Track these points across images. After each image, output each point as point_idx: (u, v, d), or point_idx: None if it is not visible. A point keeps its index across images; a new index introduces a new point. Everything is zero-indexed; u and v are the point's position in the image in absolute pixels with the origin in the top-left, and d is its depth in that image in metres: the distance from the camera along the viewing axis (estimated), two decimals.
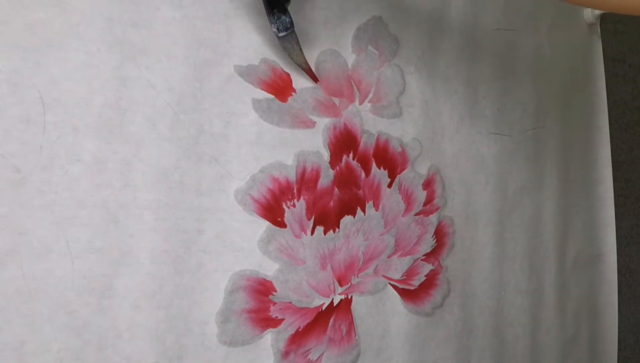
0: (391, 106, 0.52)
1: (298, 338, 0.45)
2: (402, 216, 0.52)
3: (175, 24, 0.41)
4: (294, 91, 0.46)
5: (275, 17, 0.41)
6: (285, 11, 0.41)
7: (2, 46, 0.35)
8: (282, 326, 0.44)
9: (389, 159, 0.51)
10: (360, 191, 0.49)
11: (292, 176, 0.45)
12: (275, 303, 0.44)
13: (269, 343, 0.43)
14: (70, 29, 0.37)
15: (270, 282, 0.44)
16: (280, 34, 0.42)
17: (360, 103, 0.50)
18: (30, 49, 0.36)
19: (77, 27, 0.38)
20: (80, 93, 0.37)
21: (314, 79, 0.47)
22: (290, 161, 0.45)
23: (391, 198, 0.51)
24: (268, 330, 0.43)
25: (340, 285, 0.48)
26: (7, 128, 0.35)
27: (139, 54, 0.40)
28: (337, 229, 0.48)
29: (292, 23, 0.42)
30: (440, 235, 0.55)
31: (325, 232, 0.47)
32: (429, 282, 0.54)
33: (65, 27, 0.37)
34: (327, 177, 0.47)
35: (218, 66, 0.43)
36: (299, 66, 0.46)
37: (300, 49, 0.44)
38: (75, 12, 0.38)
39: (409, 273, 0.52)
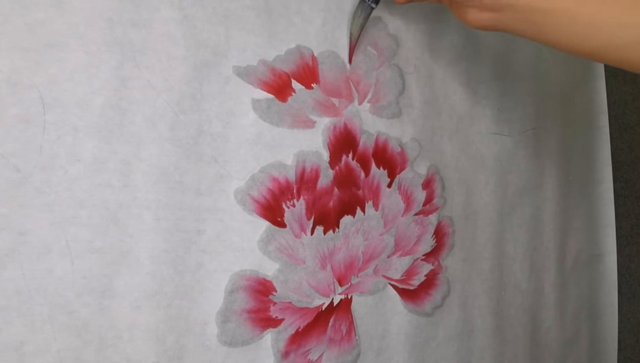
0: (390, 106, 0.52)
1: (298, 338, 0.45)
2: (402, 216, 0.52)
3: (175, 24, 0.41)
4: (294, 91, 0.46)
5: None
6: None
7: (2, 45, 0.35)
8: (282, 326, 0.44)
9: (389, 159, 0.51)
10: (360, 191, 0.49)
11: (292, 176, 0.45)
12: (275, 303, 0.44)
13: (269, 343, 0.43)
14: (70, 29, 0.37)
15: (270, 282, 0.44)
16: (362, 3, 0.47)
17: (360, 103, 0.50)
18: (30, 49, 0.36)
19: (77, 27, 0.38)
20: (80, 93, 0.37)
21: (350, 58, 0.49)
22: (289, 161, 0.46)
23: (391, 198, 0.51)
24: (268, 330, 0.43)
25: (340, 285, 0.48)
26: (7, 128, 0.35)
27: (139, 54, 0.40)
28: (336, 229, 0.48)
29: (377, 1, 0.47)
30: (440, 234, 0.55)
31: (325, 232, 0.47)
32: (429, 282, 0.54)
33: (65, 27, 0.37)
34: (326, 177, 0.47)
35: (217, 67, 0.43)
36: (350, 35, 0.49)
37: (362, 25, 0.48)
38: (75, 12, 0.38)
39: (409, 273, 0.52)
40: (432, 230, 0.54)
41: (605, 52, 0.38)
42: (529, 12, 0.39)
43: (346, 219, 0.48)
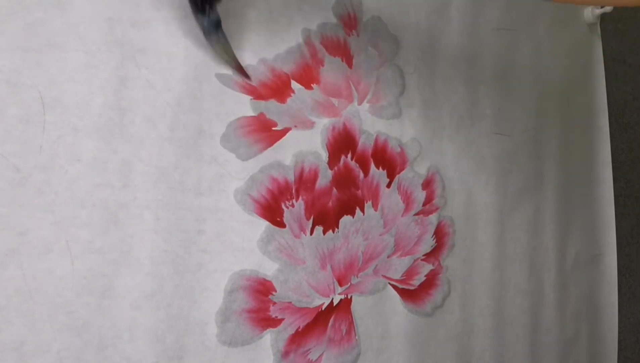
0: (390, 107, 0.52)
1: (298, 338, 0.45)
2: (402, 216, 0.52)
3: (175, 24, 0.41)
4: (293, 91, 0.46)
5: (202, 19, 0.40)
6: (209, 13, 0.39)
7: (2, 45, 0.35)
8: (281, 326, 0.44)
9: (388, 160, 0.51)
10: (359, 191, 0.49)
11: (291, 176, 0.45)
12: (275, 303, 0.44)
13: (269, 343, 0.43)
14: (70, 29, 0.37)
15: (270, 282, 0.44)
16: (207, 35, 0.41)
17: (359, 103, 0.50)
18: (30, 49, 0.36)
19: (77, 27, 0.38)
20: (80, 93, 0.37)
21: (245, 75, 0.44)
22: (288, 161, 0.45)
23: (390, 198, 0.51)
24: (268, 330, 0.43)
25: (340, 285, 0.48)
26: (7, 128, 0.35)
27: (139, 54, 0.40)
28: (336, 229, 0.48)
29: (216, 24, 0.40)
30: (440, 234, 0.55)
31: (324, 232, 0.47)
32: (429, 282, 0.54)
33: (65, 27, 0.37)
34: (325, 177, 0.47)
35: (217, 67, 0.43)
36: (225, 63, 0.43)
37: (228, 48, 0.42)
38: (75, 12, 0.38)
39: (409, 273, 0.52)
40: (432, 229, 0.54)
41: None
42: None
43: (345, 219, 0.48)
